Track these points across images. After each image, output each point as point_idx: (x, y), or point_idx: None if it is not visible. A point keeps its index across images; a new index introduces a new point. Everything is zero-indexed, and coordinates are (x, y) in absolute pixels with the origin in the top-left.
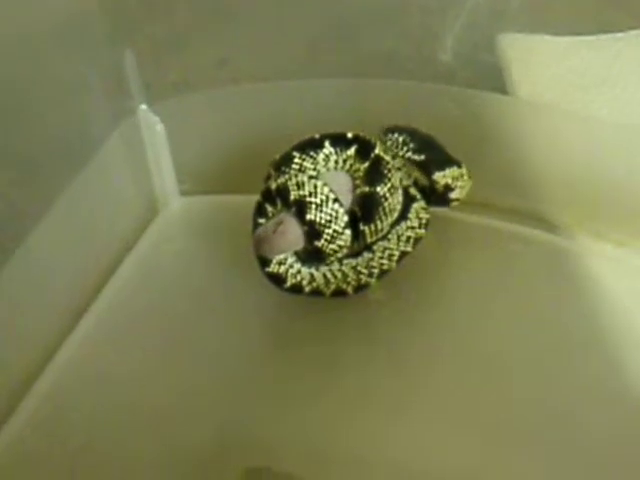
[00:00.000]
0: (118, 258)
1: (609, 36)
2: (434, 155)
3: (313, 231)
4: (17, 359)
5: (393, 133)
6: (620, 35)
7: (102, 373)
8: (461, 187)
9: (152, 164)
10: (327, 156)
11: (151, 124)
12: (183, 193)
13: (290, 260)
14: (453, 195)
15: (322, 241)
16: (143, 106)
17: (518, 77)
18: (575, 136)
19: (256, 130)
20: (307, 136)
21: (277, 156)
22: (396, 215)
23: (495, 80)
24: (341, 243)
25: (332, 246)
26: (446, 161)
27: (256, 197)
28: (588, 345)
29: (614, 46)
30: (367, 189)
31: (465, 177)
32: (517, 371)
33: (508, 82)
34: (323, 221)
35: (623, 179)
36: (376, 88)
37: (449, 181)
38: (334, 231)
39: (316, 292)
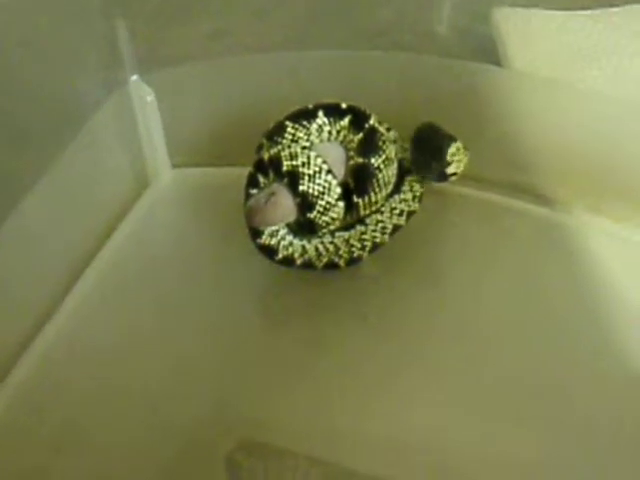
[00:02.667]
0: (109, 230)
1: (604, 10)
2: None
3: (306, 202)
4: (7, 329)
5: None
6: (615, 9)
7: (92, 345)
8: (458, 161)
9: (144, 136)
10: (320, 126)
11: (143, 95)
12: (174, 165)
13: (282, 232)
14: (450, 170)
15: (315, 213)
16: (135, 77)
17: (513, 51)
18: (571, 109)
19: (249, 102)
20: (304, 105)
21: (270, 125)
22: (391, 188)
23: (491, 53)
24: (334, 215)
25: (325, 218)
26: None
27: (248, 169)
28: (583, 320)
29: (609, 20)
30: (361, 160)
31: (462, 151)
32: (510, 346)
33: (503, 56)
34: (316, 192)
35: (620, 153)
36: (371, 60)
37: (447, 158)
38: (327, 203)
39: (308, 265)
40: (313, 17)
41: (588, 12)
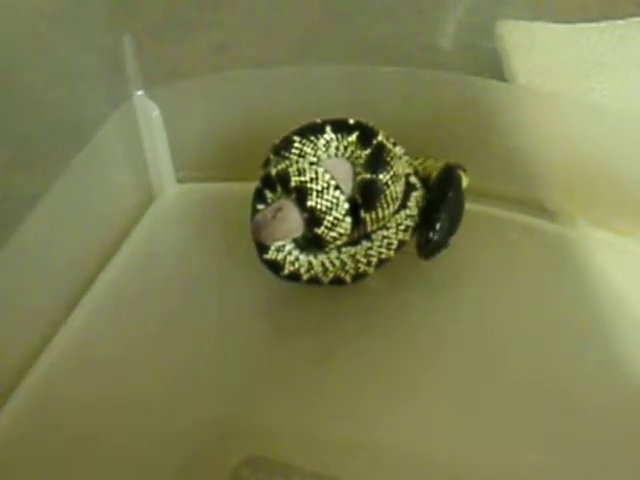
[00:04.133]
0: (114, 245)
1: (609, 23)
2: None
3: (313, 218)
4: (12, 345)
5: None
6: (620, 22)
7: (98, 360)
8: None
9: (148, 151)
10: (328, 142)
11: (148, 110)
12: (179, 180)
13: (288, 247)
14: None
15: (322, 228)
16: (140, 92)
17: (517, 64)
18: (575, 123)
19: (253, 117)
20: (308, 121)
21: (277, 140)
22: (398, 204)
23: (495, 67)
24: (341, 231)
25: (332, 233)
26: None
27: (253, 185)
28: (588, 333)
29: (614, 33)
30: (368, 176)
31: (462, 175)
32: (517, 359)
33: (507, 69)
34: (324, 208)
35: (624, 167)
36: (375, 75)
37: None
38: (334, 218)
39: (314, 280)
40: (317, 32)
41: (593, 25)
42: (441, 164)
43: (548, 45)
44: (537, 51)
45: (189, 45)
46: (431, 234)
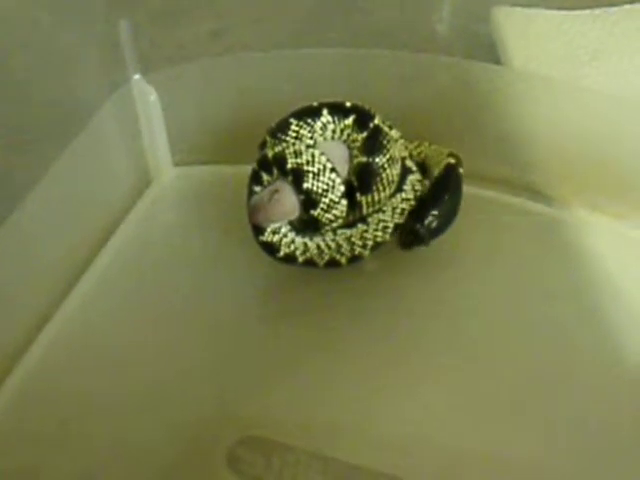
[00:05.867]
0: (110, 229)
1: (603, 10)
2: None
3: (309, 200)
4: (7, 329)
5: None
6: (614, 9)
7: (94, 345)
8: None
9: (145, 134)
10: (325, 125)
11: (145, 94)
12: (176, 163)
13: (284, 229)
14: None
15: (318, 210)
16: (137, 76)
17: (513, 50)
18: (570, 108)
19: (250, 101)
20: (305, 104)
21: (274, 123)
22: (394, 187)
23: (490, 51)
24: (337, 213)
25: (328, 216)
26: None
27: (249, 167)
28: (581, 317)
29: (608, 20)
30: (365, 159)
31: (462, 174)
32: (509, 342)
33: (502, 55)
34: (320, 190)
35: (618, 151)
36: (371, 58)
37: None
38: (330, 200)
39: (310, 262)
40: (314, 16)
41: (587, 12)
42: (441, 154)
43: (543, 31)
44: (532, 37)
45: (186, 29)
46: (417, 226)
